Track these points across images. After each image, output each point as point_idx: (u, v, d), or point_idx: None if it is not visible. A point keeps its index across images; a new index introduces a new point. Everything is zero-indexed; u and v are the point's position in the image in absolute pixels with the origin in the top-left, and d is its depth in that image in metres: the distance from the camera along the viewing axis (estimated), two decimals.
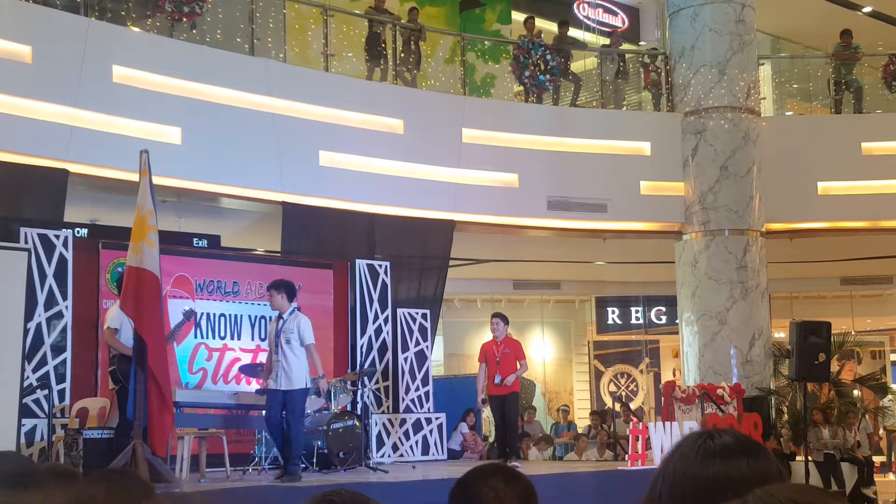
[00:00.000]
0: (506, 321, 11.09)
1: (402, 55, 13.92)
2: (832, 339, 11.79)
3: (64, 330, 9.59)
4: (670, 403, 13.02)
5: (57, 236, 9.67)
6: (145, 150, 8.14)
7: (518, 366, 10.79)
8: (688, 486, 1.55)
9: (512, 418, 10.91)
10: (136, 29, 11.54)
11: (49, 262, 9.56)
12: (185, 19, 11.67)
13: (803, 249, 15.50)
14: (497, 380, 10.69)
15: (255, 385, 10.46)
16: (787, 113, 16.93)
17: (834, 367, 13.69)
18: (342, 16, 13.73)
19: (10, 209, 10.09)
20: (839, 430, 13.38)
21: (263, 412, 9.22)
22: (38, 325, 9.43)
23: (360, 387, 10.84)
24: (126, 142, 10.30)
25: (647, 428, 10.67)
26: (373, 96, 13.16)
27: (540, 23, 15.20)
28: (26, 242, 9.30)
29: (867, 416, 15.48)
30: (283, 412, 8.85)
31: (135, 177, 8.19)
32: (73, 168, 10.44)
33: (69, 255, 9.68)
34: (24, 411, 8.76)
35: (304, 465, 9.59)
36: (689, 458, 1.59)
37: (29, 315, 9.21)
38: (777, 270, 14.86)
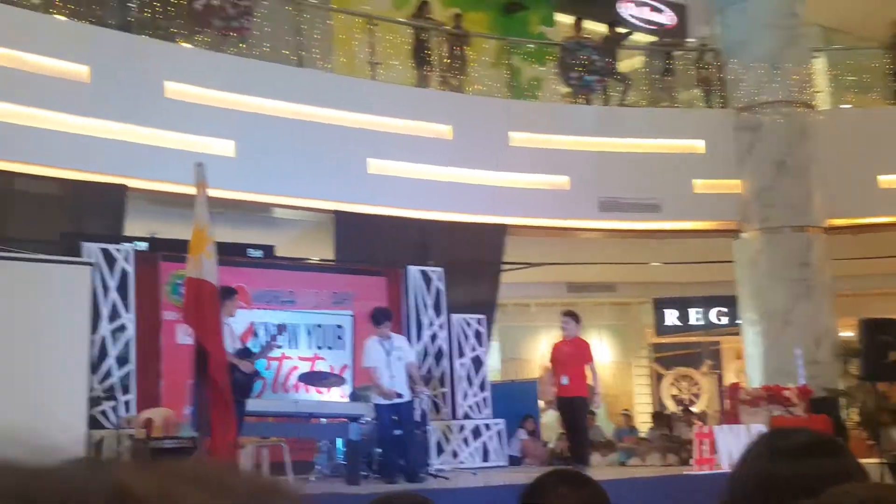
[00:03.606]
0: (577, 319, 10.91)
1: (448, 61, 14.21)
2: None
3: (128, 342, 10.03)
4: (735, 406, 12.96)
5: (118, 250, 10.13)
6: (201, 162, 8.44)
7: (589, 371, 10.58)
8: (764, 487, 1.54)
9: (580, 424, 10.77)
10: (186, 45, 12.05)
11: (112, 275, 10.03)
12: (233, 34, 12.15)
13: (868, 245, 15.36)
14: (564, 381, 10.51)
15: (314, 393, 10.76)
16: (844, 105, 16.83)
17: None
18: (387, 24, 14.09)
19: (72, 225, 10.62)
20: None
21: (319, 420, 9.73)
22: (103, 338, 9.88)
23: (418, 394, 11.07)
24: (181, 156, 10.72)
25: (712, 431, 10.71)
26: (420, 103, 13.48)
27: (586, 24, 15.39)
28: (89, 257, 9.76)
29: None
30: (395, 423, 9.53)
31: (190, 190, 8.48)
32: (131, 183, 10.95)
33: (130, 269, 10.14)
34: (92, 422, 9.24)
35: (364, 473, 9.83)
36: (763, 459, 1.58)
37: (94, 328, 9.68)
38: (842, 267, 14.76)
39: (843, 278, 15.20)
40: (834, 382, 13.84)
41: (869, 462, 11.68)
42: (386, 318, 10.01)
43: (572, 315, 10.97)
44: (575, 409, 10.56)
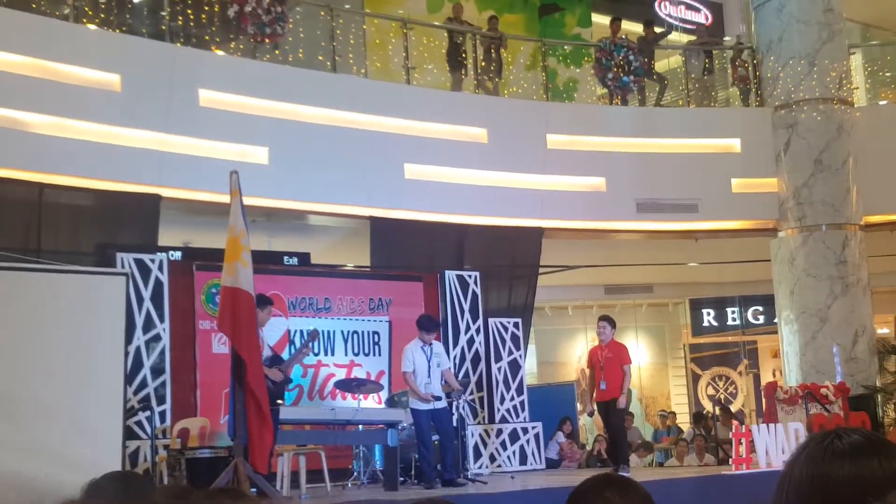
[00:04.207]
0: (613, 324, 10.69)
1: (483, 64, 13.86)
2: None
3: (162, 352, 9.72)
4: (773, 405, 12.72)
5: (152, 260, 9.82)
6: (235, 171, 8.15)
7: (623, 373, 10.37)
8: (816, 489, 1.48)
9: (617, 426, 10.60)
10: (220, 52, 11.66)
11: (146, 285, 9.71)
12: (267, 41, 11.76)
13: None
14: (602, 386, 10.32)
15: (351, 400, 10.44)
16: (882, 102, 16.39)
17: None
18: (421, 28, 13.72)
19: (106, 236, 10.28)
20: None
21: (357, 427, 9.39)
22: (138, 349, 9.57)
23: (455, 398, 10.75)
24: (215, 164, 10.39)
25: (750, 431, 10.45)
26: (456, 107, 13.14)
27: (625, 24, 15.02)
28: (123, 267, 9.44)
29: None
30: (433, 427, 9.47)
31: (224, 198, 8.20)
32: (165, 192, 10.60)
33: (164, 279, 9.82)
34: (128, 433, 8.87)
35: (402, 479, 9.57)
36: (816, 460, 1.51)
37: (128, 339, 9.35)
38: (878, 264, 14.47)
39: (880, 275, 15.00)
40: (871, 379, 13.57)
41: None
42: (436, 326, 10.02)
43: (608, 319, 10.74)
44: (612, 411, 10.38)
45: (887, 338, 14.50)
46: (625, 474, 10.02)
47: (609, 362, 10.32)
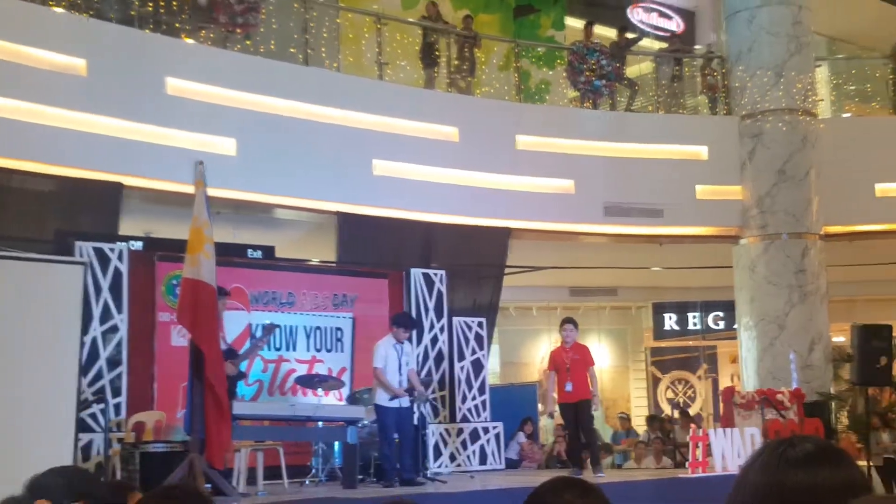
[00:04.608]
0: (576, 326, 10.56)
1: (457, 63, 13.65)
2: (893, 343, 11.32)
3: (119, 343, 9.36)
4: (730, 409, 12.68)
5: (112, 250, 9.45)
6: (201, 161, 7.91)
7: (589, 376, 10.23)
8: (770, 497, 1.48)
9: (588, 426, 10.43)
10: (189, 41, 11.31)
11: (104, 275, 9.34)
12: (238, 30, 11.46)
13: (863, 252, 15.02)
14: (568, 387, 10.12)
15: (311, 396, 10.17)
16: (845, 115, 16.42)
17: (895, 370, 13.15)
18: (395, 24, 13.48)
19: (65, 223, 9.91)
20: None
21: (316, 423, 9.02)
22: (94, 339, 9.20)
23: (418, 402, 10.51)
24: (180, 154, 10.07)
25: (707, 435, 10.44)
26: (427, 104, 12.90)
27: (596, 28, 14.87)
28: (82, 256, 9.05)
29: None
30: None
31: (189, 189, 7.97)
32: (128, 181, 10.23)
33: (124, 269, 9.45)
34: (81, 426, 8.54)
35: (361, 477, 9.35)
36: (770, 468, 1.51)
37: (84, 329, 9.00)
38: (836, 274, 14.43)
39: (837, 284, 14.97)
40: (826, 386, 13.60)
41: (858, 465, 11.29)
42: (414, 324, 9.98)
43: (572, 322, 10.58)
44: (582, 413, 10.21)
45: (843, 346, 14.51)
46: (600, 475, 9.90)
47: (575, 364, 10.16)
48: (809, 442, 1.54)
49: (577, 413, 10.15)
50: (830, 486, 1.45)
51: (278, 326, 9.70)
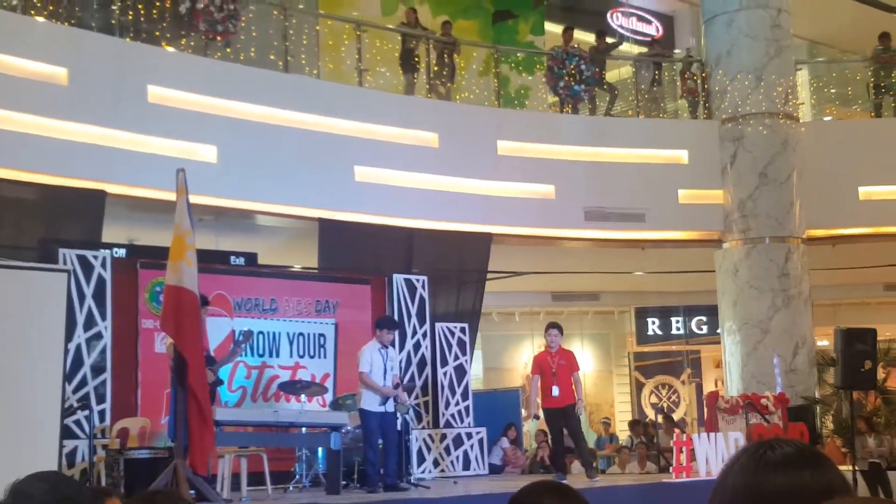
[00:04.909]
0: (562, 332, 10.68)
1: (436, 69, 13.80)
2: (877, 347, 11.51)
3: (103, 350, 9.52)
4: (714, 414, 12.78)
5: (95, 257, 9.61)
6: (182, 168, 8.05)
7: (574, 381, 10.36)
8: (749, 500, 1.48)
9: (577, 431, 10.58)
10: (170, 49, 11.47)
11: (88, 282, 9.50)
12: (219, 38, 11.59)
13: (846, 255, 15.24)
14: (555, 392, 10.22)
15: (294, 403, 10.34)
16: (826, 118, 16.63)
17: (879, 374, 13.34)
18: (375, 31, 13.66)
19: (48, 231, 10.06)
20: (885, 439, 13.05)
21: (300, 429, 9.13)
22: (78, 346, 9.37)
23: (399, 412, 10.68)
24: (162, 161, 10.22)
25: (690, 439, 10.53)
26: (407, 110, 13.05)
27: (576, 34, 15.05)
28: (65, 264, 9.23)
29: None
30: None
31: (171, 196, 8.12)
32: (111, 189, 10.38)
33: (108, 276, 9.62)
34: (65, 432, 8.70)
35: (344, 483, 9.50)
36: (749, 471, 1.51)
37: (69, 336, 9.17)
38: (819, 277, 14.64)
39: (820, 288, 15.18)
40: (810, 391, 13.71)
41: (843, 469, 11.50)
42: (397, 325, 10.10)
43: (557, 327, 10.71)
44: (569, 418, 10.34)
45: (826, 350, 14.60)
46: (596, 479, 10.09)
47: (561, 369, 10.27)
48: (789, 445, 1.56)
49: (565, 418, 10.25)
50: (810, 489, 1.46)
51: (252, 334, 9.85)
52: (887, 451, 12.90)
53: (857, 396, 12.34)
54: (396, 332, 11.56)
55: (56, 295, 8.66)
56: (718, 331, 14.91)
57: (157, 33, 11.16)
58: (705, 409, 13.73)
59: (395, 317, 11.65)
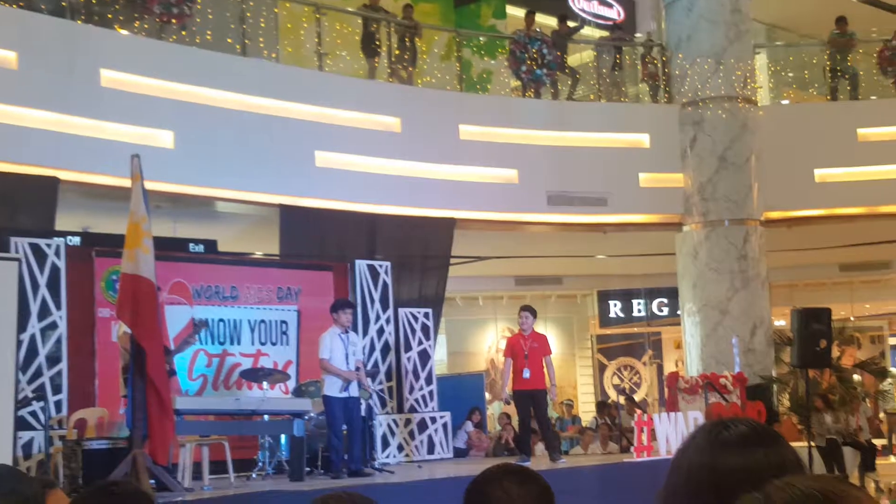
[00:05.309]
0: (534, 314, 10.64)
1: (398, 53, 13.64)
2: (832, 326, 11.62)
3: (59, 340, 9.25)
4: (674, 394, 12.98)
5: (49, 245, 9.32)
6: (137, 154, 7.85)
7: (546, 365, 10.35)
8: (704, 478, 1.49)
9: (544, 415, 10.62)
10: (124, 32, 11.16)
11: (41, 271, 9.22)
12: (174, 21, 11.34)
13: (802, 237, 15.31)
14: (526, 374, 10.19)
15: (257, 390, 10.18)
16: (784, 101, 16.75)
17: (834, 353, 13.55)
18: (335, 14, 13.39)
19: (0, 219, 9.74)
20: (841, 416, 13.17)
21: (262, 417, 9.01)
22: (33, 337, 9.10)
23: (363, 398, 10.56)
24: (117, 147, 9.95)
25: (651, 419, 10.65)
26: (369, 95, 12.88)
27: (537, 17, 14.91)
28: (17, 252, 8.95)
29: (867, 401, 15.33)
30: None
31: (127, 183, 7.93)
32: (64, 175, 10.08)
33: (62, 264, 9.33)
34: (21, 424, 8.48)
35: (308, 469, 9.39)
36: (704, 450, 1.52)
37: (23, 326, 8.93)
38: (776, 259, 14.69)
39: (778, 269, 15.30)
40: (768, 370, 13.83)
41: (799, 446, 11.60)
42: (350, 305, 9.96)
43: (530, 310, 10.66)
44: (538, 402, 10.35)
45: (783, 330, 14.75)
46: (562, 461, 10.07)
47: (534, 352, 10.26)
48: (743, 424, 1.56)
49: (533, 402, 10.25)
50: (763, 467, 1.47)
51: (206, 323, 9.66)
52: (843, 427, 13.02)
53: (812, 375, 12.47)
54: (359, 317, 11.45)
55: (7, 284, 8.41)
56: (679, 312, 14.99)
57: (110, 16, 10.84)
58: (666, 390, 13.90)
59: (359, 303, 11.51)
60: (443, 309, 13.51)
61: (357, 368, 9.46)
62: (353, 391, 9.37)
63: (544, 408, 10.51)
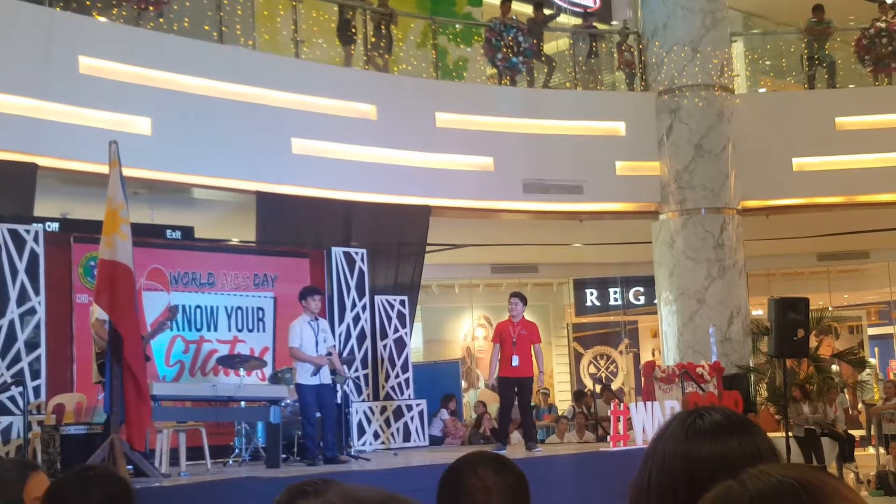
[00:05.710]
0: (524, 301, 10.66)
1: (374, 40, 13.76)
2: (810, 315, 11.75)
3: (37, 326, 9.45)
4: (650, 383, 13.04)
5: (27, 231, 9.51)
6: (114, 141, 8.03)
7: (534, 353, 10.40)
8: (678, 467, 1.50)
9: (527, 404, 10.66)
10: (101, 19, 11.31)
11: (20, 257, 9.40)
12: (151, 8, 11.49)
13: (779, 226, 15.47)
14: (515, 362, 10.25)
15: (233, 377, 10.38)
16: (761, 90, 16.90)
17: (812, 342, 13.63)
18: (311, 1, 13.50)
19: None
20: (819, 406, 13.41)
21: (238, 403, 9.29)
22: (11, 322, 9.29)
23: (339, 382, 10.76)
24: (95, 134, 10.12)
25: (628, 408, 10.71)
26: (345, 82, 13.03)
27: (514, 5, 15.05)
28: None
29: (845, 391, 15.58)
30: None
31: (104, 169, 8.09)
32: (42, 161, 10.25)
33: (40, 250, 9.53)
34: None
35: (284, 456, 9.60)
36: (678, 438, 1.54)
37: (1, 312, 9.15)
38: (754, 248, 14.88)
39: (755, 258, 15.43)
40: (745, 359, 13.97)
41: (776, 436, 11.91)
42: (318, 291, 10.02)
43: (520, 296, 10.72)
44: (523, 390, 10.40)
45: (761, 319, 14.91)
46: (538, 450, 10.27)
47: (522, 339, 10.31)
48: (718, 413, 1.57)
49: (518, 389, 10.31)
50: (738, 455, 1.48)
51: (178, 310, 9.85)
52: (821, 417, 13.27)
53: (790, 364, 12.68)
54: (335, 304, 11.69)
55: None
56: (655, 301, 15.12)
57: (88, 3, 10.98)
58: (642, 379, 14.01)
59: (335, 290, 11.73)
60: (419, 296, 13.66)
61: (329, 354, 9.61)
62: (325, 378, 9.50)
63: (528, 396, 10.58)
